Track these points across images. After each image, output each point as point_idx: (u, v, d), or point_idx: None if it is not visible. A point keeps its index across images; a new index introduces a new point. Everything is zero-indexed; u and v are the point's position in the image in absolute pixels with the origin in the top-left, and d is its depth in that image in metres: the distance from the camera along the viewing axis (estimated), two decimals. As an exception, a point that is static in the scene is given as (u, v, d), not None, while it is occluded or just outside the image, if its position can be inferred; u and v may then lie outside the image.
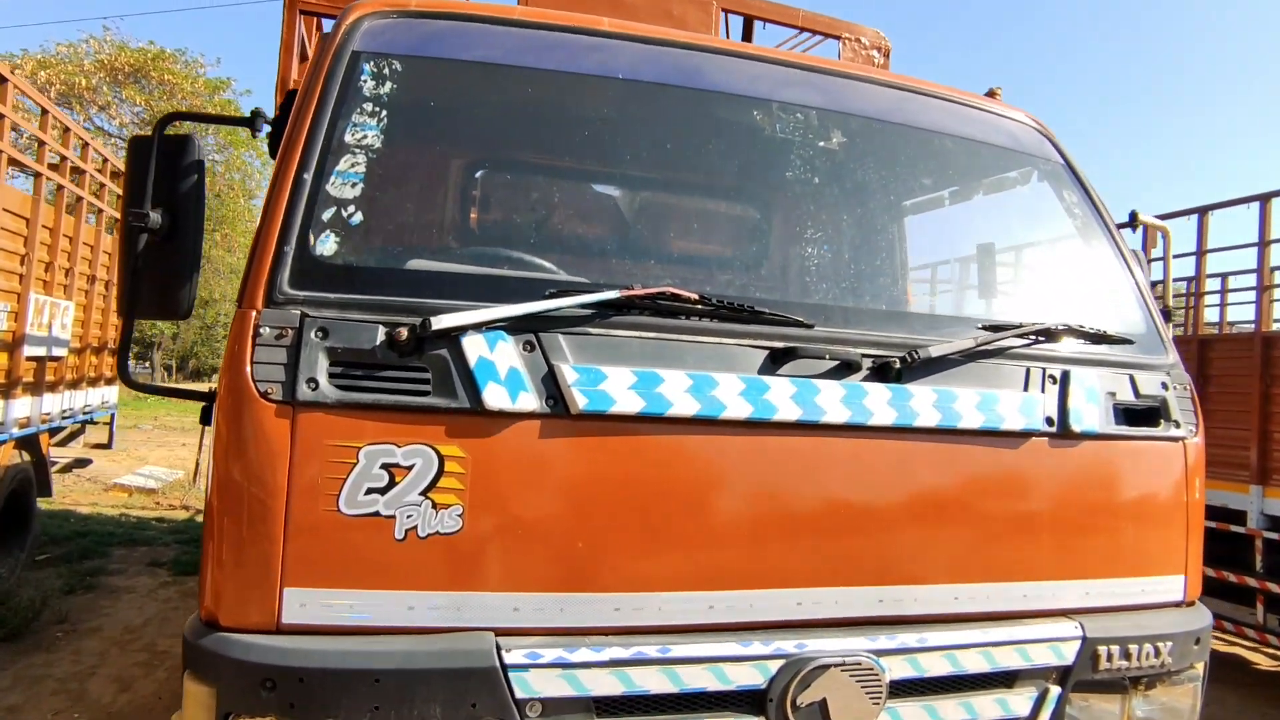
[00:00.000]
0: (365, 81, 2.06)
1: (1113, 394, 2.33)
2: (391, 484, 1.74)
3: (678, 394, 1.88)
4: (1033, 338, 2.26)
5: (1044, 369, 2.25)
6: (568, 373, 1.83)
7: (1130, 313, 2.54)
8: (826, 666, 1.92)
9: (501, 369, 1.80)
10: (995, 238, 2.96)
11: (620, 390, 1.85)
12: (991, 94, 2.83)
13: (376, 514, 1.73)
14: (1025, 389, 2.21)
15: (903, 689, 2.03)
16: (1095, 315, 2.43)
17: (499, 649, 1.74)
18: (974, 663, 2.08)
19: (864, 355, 2.06)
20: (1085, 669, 2.18)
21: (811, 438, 1.99)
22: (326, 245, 1.87)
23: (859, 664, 1.94)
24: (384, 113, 2.05)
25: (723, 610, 1.91)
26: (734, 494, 1.94)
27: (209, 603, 1.74)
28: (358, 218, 1.93)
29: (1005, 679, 2.14)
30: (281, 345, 1.75)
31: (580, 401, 1.82)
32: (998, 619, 2.14)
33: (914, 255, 3.02)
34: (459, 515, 1.77)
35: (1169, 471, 2.37)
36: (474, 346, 1.80)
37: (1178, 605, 2.39)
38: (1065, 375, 2.26)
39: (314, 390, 1.73)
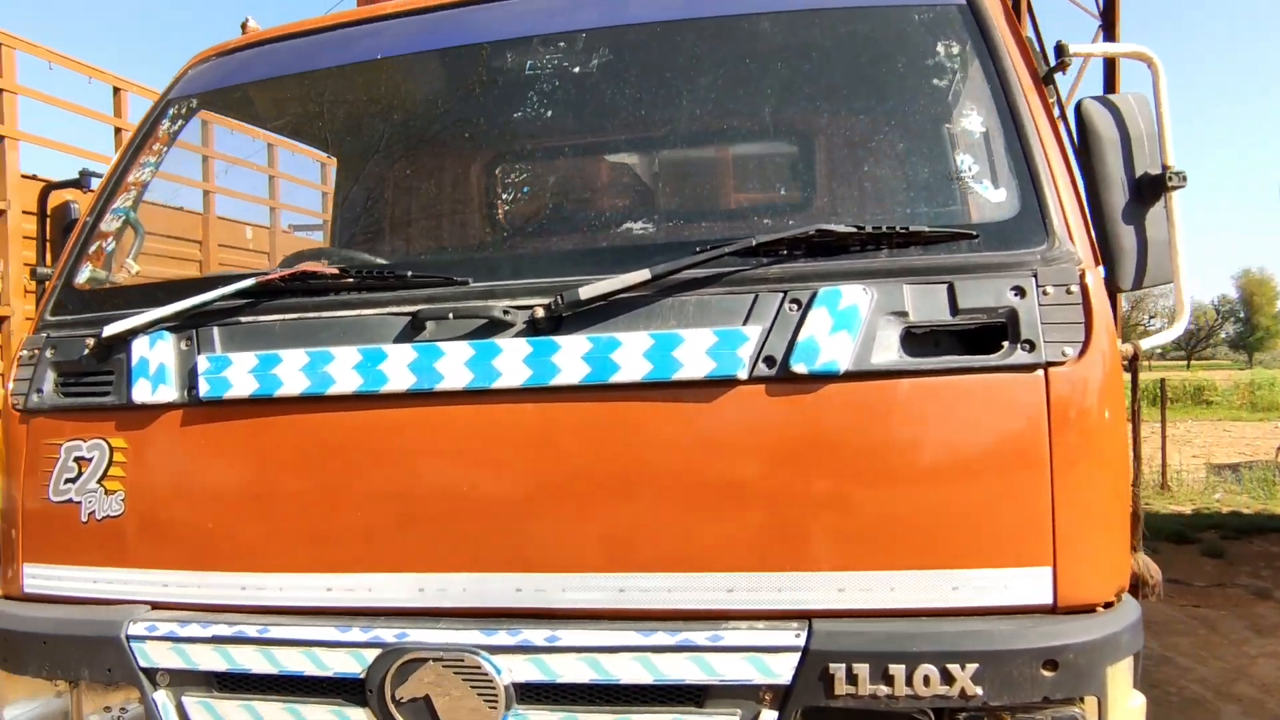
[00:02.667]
0: (163, 124, 2.42)
1: (901, 314, 1.67)
2: (80, 474, 2.01)
3: (291, 373, 1.87)
4: (783, 251, 1.73)
5: (785, 292, 1.71)
6: (200, 362, 1.94)
7: (995, 193, 1.80)
8: (424, 660, 1.70)
9: (153, 365, 1.98)
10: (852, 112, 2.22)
11: (240, 375, 1.90)
12: None
13: (70, 500, 2.02)
14: (746, 322, 1.70)
15: (546, 695, 1.69)
16: (939, 202, 1.79)
17: (127, 623, 1.88)
18: (629, 671, 1.64)
19: (510, 309, 1.80)
20: (813, 692, 1.57)
21: (432, 408, 1.80)
22: (82, 276, 2.24)
23: (462, 660, 1.68)
24: (160, 149, 2.38)
25: (340, 593, 1.82)
26: (350, 473, 1.84)
27: None
28: (109, 246, 2.27)
29: (690, 695, 1.64)
30: (31, 364, 2.14)
31: (204, 388, 1.91)
32: (683, 618, 1.66)
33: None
34: (121, 500, 1.97)
35: (1009, 415, 1.62)
36: (137, 348, 2.00)
37: (1043, 610, 1.59)
38: (813, 298, 1.69)
39: (40, 397, 2.09)
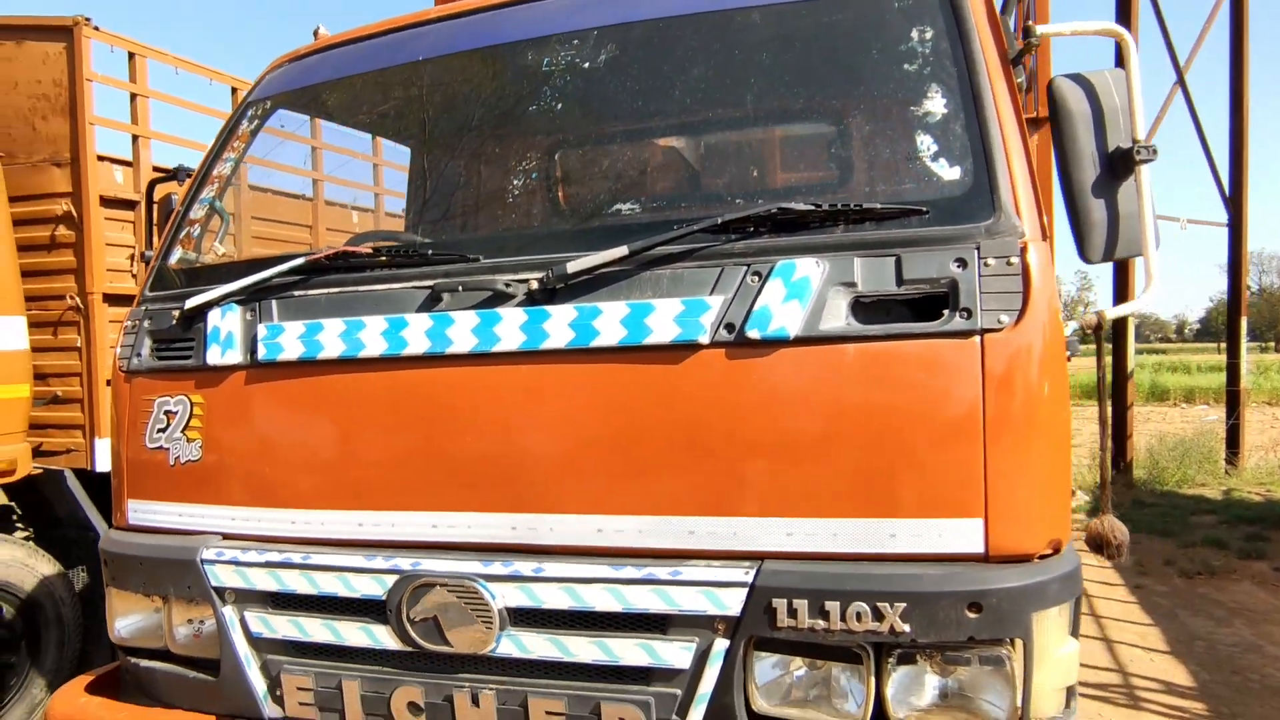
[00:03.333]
0: (243, 124, 2.79)
1: (850, 284, 1.82)
2: (168, 425, 2.40)
3: (331, 339, 2.18)
4: (740, 231, 1.91)
5: (748, 265, 1.89)
6: (260, 330, 2.28)
7: (949, 171, 1.91)
8: (433, 584, 1.98)
9: (224, 333, 2.33)
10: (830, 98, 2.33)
11: (290, 340, 2.23)
12: None
13: (161, 447, 2.40)
14: (711, 293, 1.89)
15: (534, 619, 1.94)
16: (904, 180, 1.94)
17: (202, 549, 2.25)
18: (601, 600, 1.87)
19: (511, 282, 2.05)
20: (759, 623, 1.76)
21: (444, 369, 2.07)
22: (174, 257, 2.63)
23: (463, 586, 1.95)
24: (242, 146, 2.75)
25: (369, 528, 2.12)
26: (378, 425, 2.13)
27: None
28: (197, 231, 2.65)
29: (656, 623, 1.85)
30: (133, 332, 2.55)
31: (261, 352, 2.25)
32: (650, 556, 1.87)
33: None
34: (199, 447, 2.34)
35: (946, 377, 1.75)
36: (212, 318, 2.36)
37: (975, 558, 1.72)
38: (770, 271, 1.86)
39: (138, 360, 2.49)
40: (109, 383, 3.31)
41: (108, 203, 4.94)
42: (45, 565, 4.77)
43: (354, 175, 7.65)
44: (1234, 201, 12.55)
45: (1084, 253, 2.05)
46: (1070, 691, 1.87)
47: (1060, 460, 1.83)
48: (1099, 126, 2.02)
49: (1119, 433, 11.53)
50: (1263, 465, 12.43)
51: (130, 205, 5.07)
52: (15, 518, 5.11)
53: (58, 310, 4.96)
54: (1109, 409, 2.13)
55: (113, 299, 4.94)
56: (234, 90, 6.09)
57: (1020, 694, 1.72)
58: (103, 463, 4.90)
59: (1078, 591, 1.81)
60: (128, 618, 2.43)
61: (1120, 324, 11.61)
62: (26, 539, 5.02)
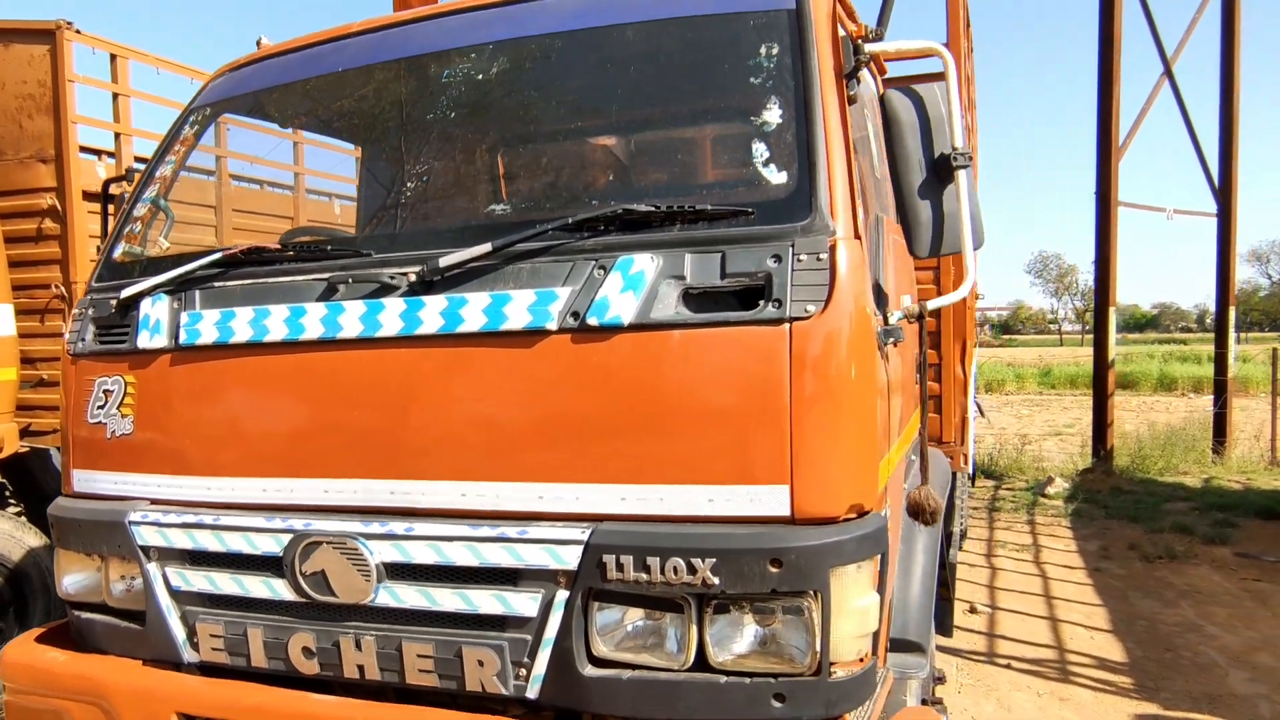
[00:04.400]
0: (185, 129, 3.04)
1: (680, 278, 2.05)
2: (106, 403, 2.66)
3: (241, 325, 2.43)
4: (592, 230, 2.14)
5: (596, 260, 2.12)
6: (182, 317, 2.53)
7: (777, 176, 2.13)
8: (320, 543, 2.23)
9: (153, 320, 2.59)
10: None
11: (207, 326, 2.48)
12: None
13: (100, 422, 2.67)
14: (562, 284, 2.13)
15: (406, 573, 2.19)
16: (743, 185, 2.17)
17: (130, 513, 2.51)
18: (461, 555, 2.12)
19: (396, 275, 2.29)
20: (592, 577, 2.01)
21: (337, 352, 2.32)
22: (118, 251, 2.89)
23: (344, 542, 2.21)
24: (182, 149, 3.00)
25: (272, 493, 2.37)
26: (279, 402, 2.39)
27: None
28: (138, 228, 2.91)
29: (507, 576, 2.10)
30: (80, 320, 2.81)
31: (182, 337, 2.51)
32: (506, 518, 2.12)
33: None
34: (131, 422, 2.60)
35: (759, 360, 1.97)
36: (144, 306, 2.62)
37: (783, 520, 1.95)
38: (612, 265, 2.09)
39: (83, 345, 2.75)
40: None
41: (90, 197, 5.21)
42: (32, 538, 5.08)
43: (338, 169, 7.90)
44: (1223, 193, 12.62)
45: (913, 249, 2.27)
46: (875, 640, 2.10)
47: (864, 434, 2.04)
48: (925, 134, 2.23)
49: (1100, 421, 11.66)
50: (1249, 455, 12.55)
51: (112, 199, 5.35)
52: (7, 494, 5.42)
53: (44, 299, 5.26)
54: (924, 389, 2.35)
55: (95, 288, 5.23)
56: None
57: (820, 641, 1.95)
58: (86, 442, 5.18)
59: (877, 551, 2.03)
60: (73, 575, 2.70)
61: (1101, 314, 11.75)
62: (18, 514, 5.33)
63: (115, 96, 5.49)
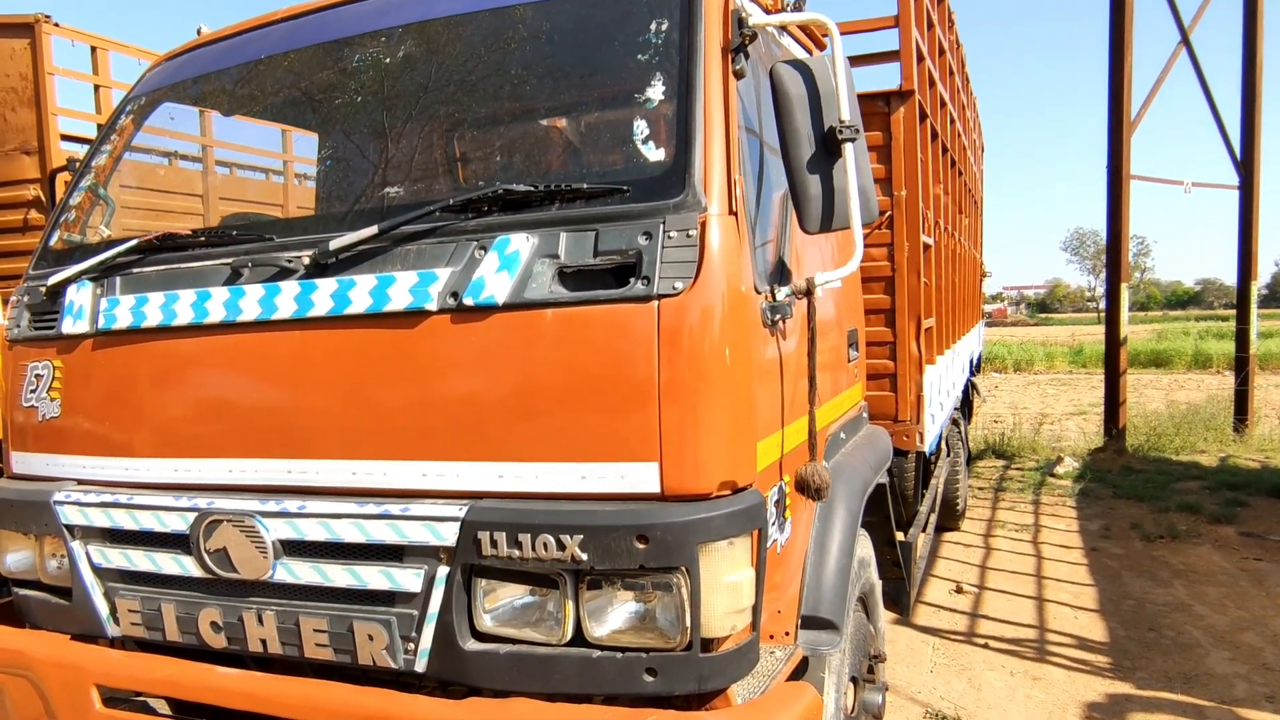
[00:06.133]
0: (122, 119, 3.10)
1: (555, 256, 2.06)
2: (37, 387, 2.74)
3: (153, 310, 2.48)
4: (476, 211, 2.16)
5: (477, 241, 2.14)
6: (102, 303, 2.59)
7: (655, 153, 2.13)
8: (221, 521, 2.29)
9: (77, 306, 2.65)
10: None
11: (123, 311, 2.54)
12: None
13: (32, 406, 2.75)
14: (444, 265, 2.15)
15: (302, 550, 2.24)
16: (622, 162, 2.17)
17: (54, 493, 2.59)
18: (349, 532, 2.16)
19: (294, 259, 2.32)
20: (469, 553, 2.04)
21: (238, 335, 2.36)
22: (54, 239, 2.96)
23: (243, 520, 2.26)
24: (116, 138, 3.06)
25: (181, 473, 2.44)
26: (187, 384, 2.44)
27: None
28: (73, 215, 2.97)
29: (393, 553, 2.14)
30: (16, 306, 2.89)
31: (101, 322, 2.57)
32: (394, 495, 2.15)
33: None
34: (58, 405, 2.68)
35: (627, 337, 1.98)
36: (69, 293, 2.69)
37: (653, 497, 1.96)
38: (490, 245, 2.11)
39: (18, 331, 2.83)
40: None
41: (47, 184, 5.30)
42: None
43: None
44: (1245, 165, 12.28)
45: (803, 224, 2.25)
46: (755, 614, 2.10)
47: (738, 411, 2.04)
48: (815, 109, 2.21)
49: (1111, 399, 11.46)
50: (1272, 433, 12.26)
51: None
52: None
53: (31, 288, 5.40)
54: (813, 367, 2.34)
55: (80, 277, 5.35)
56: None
57: (690, 617, 1.96)
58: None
59: (750, 527, 2.03)
60: (12, 554, 2.79)
61: (1113, 291, 11.52)
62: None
63: (96, 88, 5.59)
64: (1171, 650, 5.09)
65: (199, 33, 3.41)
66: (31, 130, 5.35)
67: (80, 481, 2.63)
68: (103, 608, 2.53)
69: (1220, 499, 8.76)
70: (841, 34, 2.33)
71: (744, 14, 2.21)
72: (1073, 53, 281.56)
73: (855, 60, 4.01)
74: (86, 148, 5.64)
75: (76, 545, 2.57)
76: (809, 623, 2.55)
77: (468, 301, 2.08)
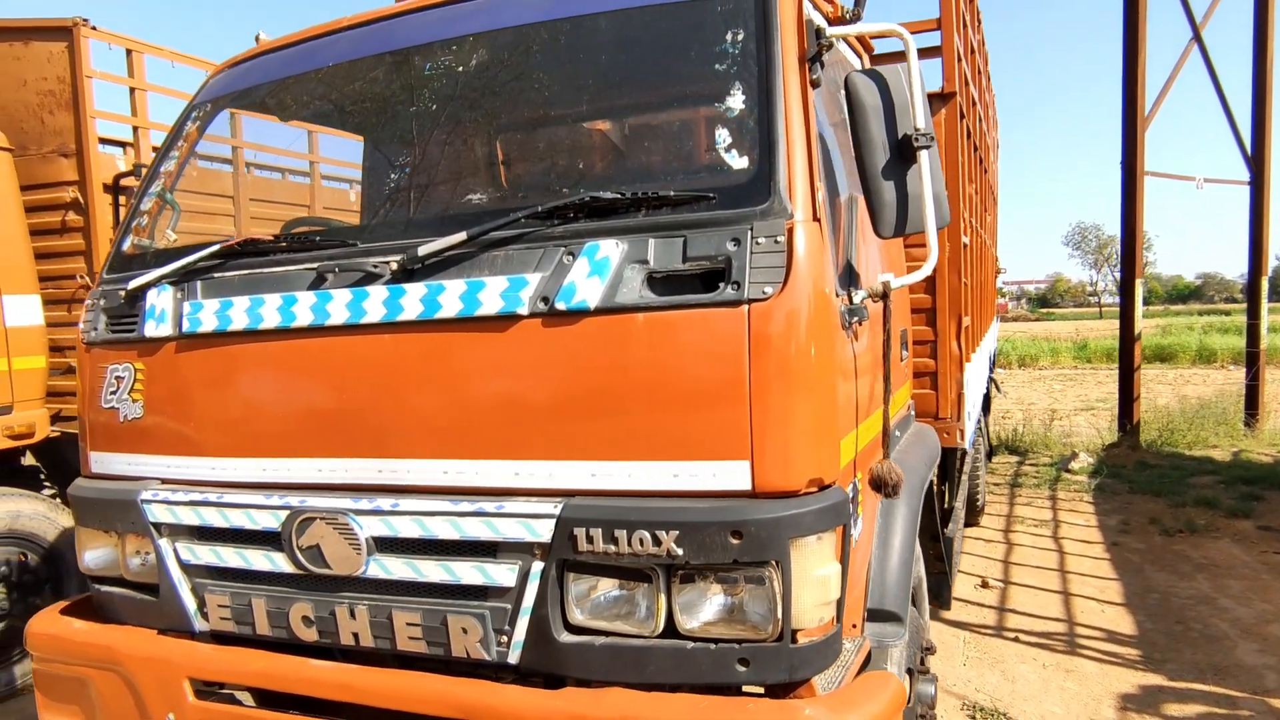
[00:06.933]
0: (188, 125, 3.16)
1: (644, 262, 2.13)
2: (118, 388, 2.80)
3: (239, 314, 2.55)
4: (562, 217, 2.22)
5: (564, 246, 2.20)
6: (185, 307, 2.66)
7: (739, 161, 2.20)
8: (314, 518, 2.36)
9: (158, 310, 2.72)
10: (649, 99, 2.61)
11: (208, 315, 2.61)
12: None
13: (113, 407, 2.81)
14: (533, 271, 2.21)
15: (395, 546, 2.31)
16: (706, 170, 2.24)
17: (141, 492, 2.66)
18: (443, 529, 2.23)
19: (379, 264, 2.39)
20: (564, 548, 2.11)
21: (326, 338, 2.43)
22: (127, 244, 3.02)
23: (336, 518, 2.33)
24: (185, 145, 3.12)
25: (270, 472, 2.50)
26: (275, 386, 2.51)
27: None
28: (145, 221, 3.04)
29: (487, 549, 2.21)
30: (93, 310, 2.95)
31: (185, 325, 2.64)
32: (485, 493, 2.22)
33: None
34: (141, 406, 2.75)
35: (718, 340, 2.04)
36: (150, 297, 2.75)
37: (744, 494, 2.03)
38: (579, 251, 2.17)
39: (95, 334, 2.89)
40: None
41: (110, 189, 5.38)
42: (65, 518, 5.31)
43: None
44: (1256, 160, 12.34)
45: (878, 229, 2.32)
46: (840, 607, 2.17)
47: (824, 411, 2.11)
48: (889, 117, 2.28)
49: (1125, 395, 11.54)
50: (1281, 427, 12.35)
51: (131, 191, 5.51)
52: (42, 477, 5.66)
53: (70, 289, 5.46)
54: (888, 367, 2.41)
55: (119, 278, 5.42)
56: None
57: (781, 609, 2.03)
58: (114, 426, 5.40)
59: (837, 523, 2.10)
60: (92, 551, 2.86)
61: (1128, 287, 11.59)
62: (53, 496, 5.57)
63: (132, 90, 5.65)
64: (1200, 642, 5.17)
65: (257, 40, 3.48)
66: (69, 133, 5.41)
67: (164, 481, 2.70)
68: (190, 603, 2.61)
69: (1235, 493, 8.84)
70: (881, 38, 2.39)
71: (819, 24, 2.27)
72: (1072, 47, 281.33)
73: (890, 58, 4.07)
74: (122, 150, 5.75)
75: (164, 543, 2.64)
76: (875, 615, 2.62)
77: (560, 306, 2.14)
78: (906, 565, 2.73)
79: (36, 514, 5.19)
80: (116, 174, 4.37)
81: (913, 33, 2.38)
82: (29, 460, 5.53)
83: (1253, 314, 12.53)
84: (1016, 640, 5.32)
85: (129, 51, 5.61)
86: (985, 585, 6.39)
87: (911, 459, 3.09)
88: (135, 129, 5.66)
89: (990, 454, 9.61)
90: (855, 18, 2.47)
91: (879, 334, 2.52)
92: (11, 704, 4.98)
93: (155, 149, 5.78)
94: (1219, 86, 12.18)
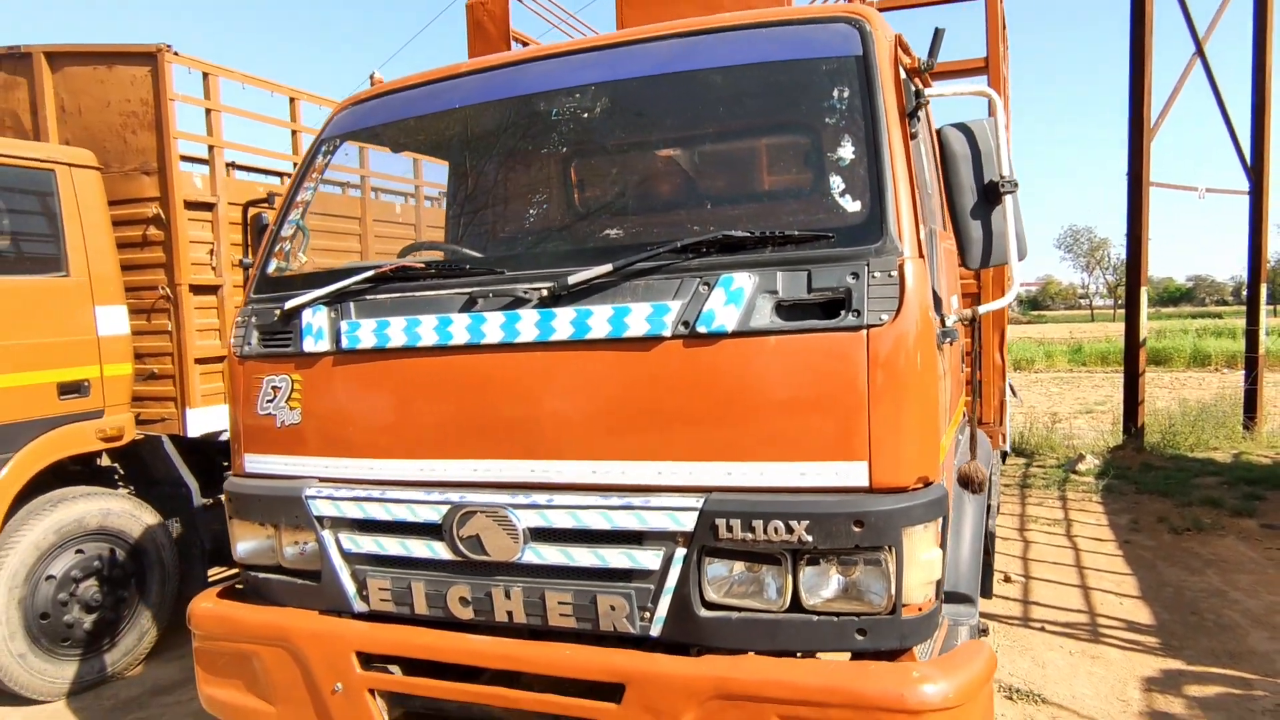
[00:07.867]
0: (318, 158, 3.51)
1: (774, 292, 2.48)
2: (274, 397, 3.14)
3: (396, 332, 2.90)
4: (696, 252, 2.57)
5: (700, 278, 2.55)
6: (342, 325, 3.00)
7: (853, 205, 2.55)
8: (475, 512, 2.71)
9: (315, 327, 3.06)
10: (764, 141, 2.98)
11: (365, 333, 2.95)
12: None
13: (269, 414, 3.16)
14: (673, 298, 2.56)
15: (548, 535, 2.66)
16: (821, 211, 2.59)
17: (305, 488, 3.00)
18: (595, 521, 2.58)
19: (529, 290, 2.74)
20: (706, 537, 2.46)
21: (479, 355, 2.77)
22: (271, 267, 3.37)
23: (496, 512, 2.68)
24: (316, 176, 3.47)
25: (428, 472, 2.85)
26: (432, 396, 2.85)
27: None
28: (288, 247, 3.38)
29: (634, 537, 2.56)
30: (243, 326, 3.29)
31: (344, 342, 2.98)
32: (631, 490, 2.57)
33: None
34: (299, 414, 3.09)
35: (841, 360, 2.40)
36: (305, 316, 3.09)
37: (862, 490, 2.39)
38: (716, 281, 2.53)
39: (249, 348, 3.23)
40: (198, 361, 4.15)
41: (190, 206, 5.72)
42: (149, 516, 5.64)
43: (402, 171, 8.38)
44: (1255, 170, 12.76)
45: (966, 262, 2.69)
46: (938, 588, 2.53)
47: (928, 419, 2.47)
48: (977, 164, 2.65)
49: (1131, 399, 11.94)
50: (1280, 430, 12.77)
51: (208, 207, 5.84)
52: (118, 477, 5.98)
53: (151, 299, 5.79)
54: (980, 373, 2.77)
55: (197, 289, 5.77)
56: (291, 100, 6.84)
57: (894, 587, 2.39)
58: (194, 429, 5.74)
59: (939, 514, 2.46)
60: (246, 542, 3.20)
61: (1133, 293, 12.00)
62: (128, 495, 5.89)
63: (208, 111, 5.98)
64: (1214, 631, 5.55)
65: (372, 80, 3.82)
66: (151, 152, 5.74)
67: (321, 479, 3.04)
68: (349, 587, 2.95)
69: (1238, 493, 9.24)
70: (936, 73, 2.75)
71: (916, 82, 2.63)
72: (1065, 52, 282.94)
73: (944, 72, 4.43)
74: (205, 169, 6.08)
75: (326, 534, 2.98)
76: (951, 597, 2.99)
77: (700, 329, 2.50)
78: (976, 553, 3.09)
79: (124, 512, 5.51)
80: (246, 201, 4.70)
81: (968, 71, 2.74)
82: (105, 461, 5.84)
83: (1252, 320, 12.96)
84: (1043, 630, 5.69)
85: (205, 75, 5.94)
86: (1008, 580, 6.76)
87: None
88: (210, 148, 5.99)
89: (1004, 456, 9.99)
90: (929, 66, 2.83)
91: (959, 351, 2.88)
92: (104, 689, 5.30)
93: (229, 165, 6.13)
94: (1220, 98, 12.60)
